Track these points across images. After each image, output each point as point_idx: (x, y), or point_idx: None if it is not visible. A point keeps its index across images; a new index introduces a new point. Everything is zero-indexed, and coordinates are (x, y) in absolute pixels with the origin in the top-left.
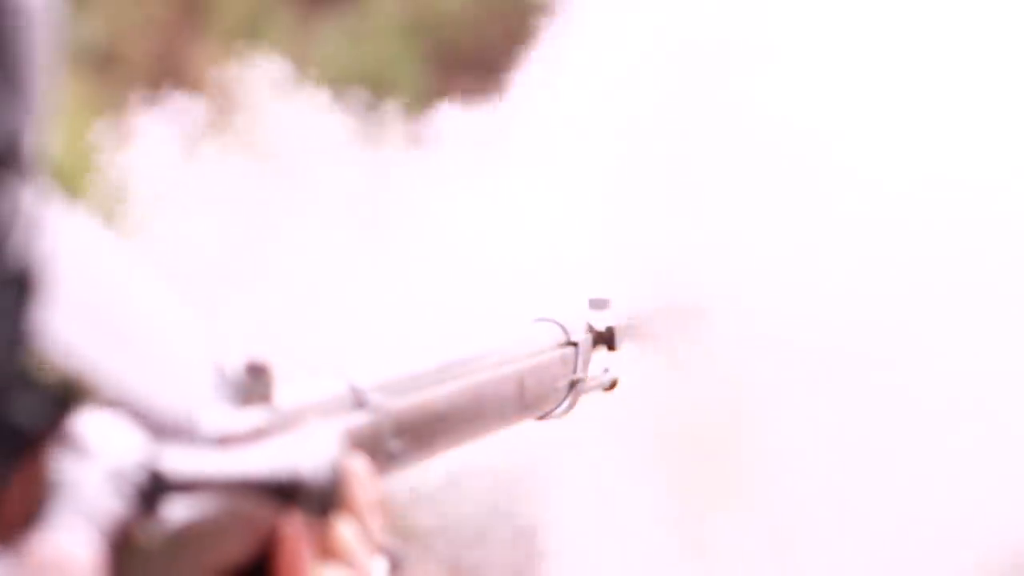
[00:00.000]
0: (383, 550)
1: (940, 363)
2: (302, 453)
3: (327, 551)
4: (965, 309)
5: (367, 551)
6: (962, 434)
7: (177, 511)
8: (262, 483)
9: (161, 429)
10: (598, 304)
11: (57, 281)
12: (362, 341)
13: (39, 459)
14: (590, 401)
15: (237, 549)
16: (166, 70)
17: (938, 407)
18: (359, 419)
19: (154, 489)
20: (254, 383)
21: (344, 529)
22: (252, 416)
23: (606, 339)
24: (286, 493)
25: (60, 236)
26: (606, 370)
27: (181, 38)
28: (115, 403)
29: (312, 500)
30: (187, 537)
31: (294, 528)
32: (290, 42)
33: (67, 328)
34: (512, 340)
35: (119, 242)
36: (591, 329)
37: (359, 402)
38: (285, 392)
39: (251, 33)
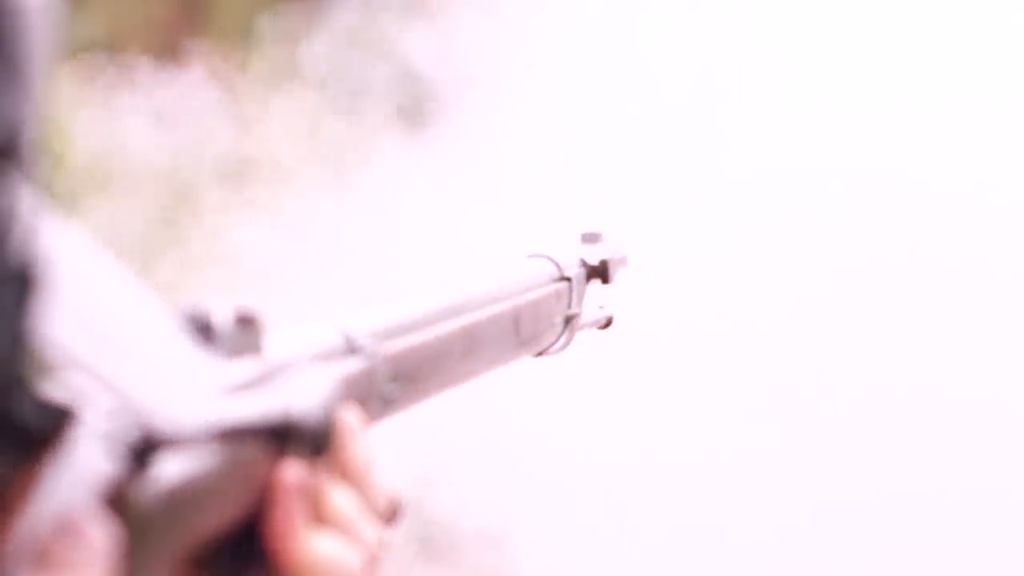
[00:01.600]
0: (380, 511)
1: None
2: (293, 395)
3: (321, 517)
4: (968, 312)
5: (363, 516)
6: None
7: (170, 467)
8: (252, 427)
9: (149, 397)
10: (590, 238)
11: (55, 279)
12: (354, 285)
13: (42, 459)
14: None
15: (232, 502)
16: (166, 69)
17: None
18: (353, 365)
19: (145, 446)
20: (243, 334)
21: (339, 494)
22: (243, 368)
23: (600, 272)
24: (278, 434)
25: (54, 234)
26: (601, 307)
27: (181, 38)
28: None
29: (304, 440)
30: (182, 493)
31: (289, 479)
32: (290, 42)
33: (62, 327)
34: (505, 277)
35: (95, 242)
36: (584, 263)
37: (352, 348)
38: (276, 342)
39: (251, 33)
